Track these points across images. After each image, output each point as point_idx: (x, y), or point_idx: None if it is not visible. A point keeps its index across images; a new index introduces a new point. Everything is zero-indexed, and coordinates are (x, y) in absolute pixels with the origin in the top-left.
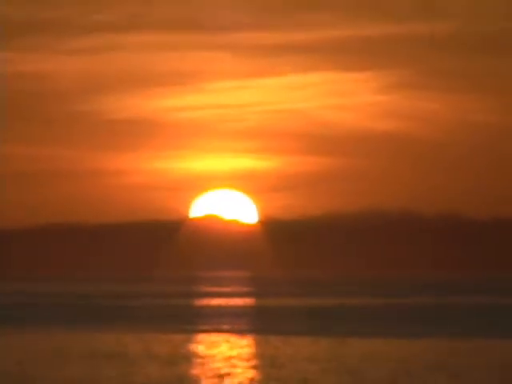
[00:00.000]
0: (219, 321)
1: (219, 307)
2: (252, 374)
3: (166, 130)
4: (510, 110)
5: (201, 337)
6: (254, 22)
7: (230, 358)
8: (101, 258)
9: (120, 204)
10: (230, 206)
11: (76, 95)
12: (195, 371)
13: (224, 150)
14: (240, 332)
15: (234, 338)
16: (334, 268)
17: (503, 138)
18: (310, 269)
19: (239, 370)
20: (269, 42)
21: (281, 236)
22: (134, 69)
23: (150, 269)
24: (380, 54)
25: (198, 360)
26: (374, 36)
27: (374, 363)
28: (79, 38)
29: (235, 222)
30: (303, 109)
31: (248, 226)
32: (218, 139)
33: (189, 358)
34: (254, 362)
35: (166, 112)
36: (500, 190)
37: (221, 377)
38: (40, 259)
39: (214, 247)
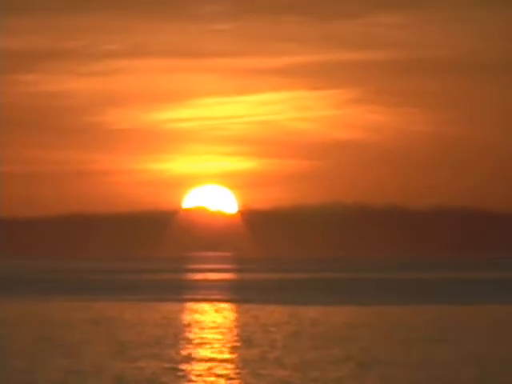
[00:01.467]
0: (206, 292)
1: (205, 281)
2: (227, 334)
3: (163, 138)
4: (442, 122)
5: (190, 305)
6: (236, 50)
7: (212, 322)
8: (109, 240)
9: (125, 197)
10: (215, 199)
11: (88, 109)
12: (181, 332)
13: (210, 154)
14: (222, 301)
15: (217, 306)
16: (301, 249)
17: (437, 144)
18: (281, 250)
19: (217, 332)
20: (248, 66)
21: (257, 223)
22: (136, 88)
23: (150, 249)
24: (337, 76)
25: (184, 323)
26: (332, 61)
27: (327, 327)
28: (91, 63)
29: (219, 212)
30: (276, 120)
31: (229, 215)
32: (205, 145)
33: (176, 322)
34: (230, 326)
35: (162, 123)
36: (433, 185)
37: (201, 337)
38: (58, 241)
39: (201, 232)
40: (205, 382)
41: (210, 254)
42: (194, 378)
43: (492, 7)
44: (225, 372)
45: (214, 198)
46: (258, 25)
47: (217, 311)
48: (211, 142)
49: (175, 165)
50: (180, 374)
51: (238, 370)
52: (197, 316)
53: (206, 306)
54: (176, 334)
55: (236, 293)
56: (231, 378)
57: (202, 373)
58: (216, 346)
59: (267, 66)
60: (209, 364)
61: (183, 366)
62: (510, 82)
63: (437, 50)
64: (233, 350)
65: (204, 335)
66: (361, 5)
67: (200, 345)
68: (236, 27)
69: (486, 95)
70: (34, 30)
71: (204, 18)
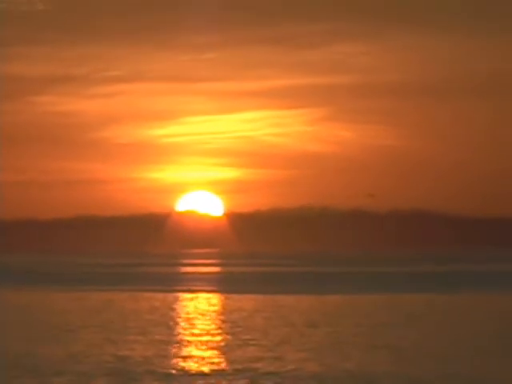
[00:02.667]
0: (195, 283)
1: (195, 273)
2: (213, 320)
3: (157, 151)
4: (398, 136)
5: (181, 295)
6: (220, 75)
7: (199, 310)
8: (111, 239)
9: (125, 202)
10: (204, 204)
11: (93, 126)
12: (170, 319)
13: (199, 164)
14: (210, 291)
15: (205, 296)
16: (277, 246)
17: (393, 155)
18: (260, 247)
19: (204, 318)
20: (231, 89)
21: (239, 224)
22: (134, 108)
23: (147, 247)
24: (308, 97)
25: (174, 311)
26: (303, 85)
27: (297, 312)
28: (95, 87)
29: (207, 215)
30: (255, 135)
31: (216, 217)
32: (194, 157)
33: (168, 310)
34: (216, 313)
35: (157, 138)
36: (390, 190)
37: (189, 322)
38: (67, 240)
39: (192, 232)
40: (189, 356)
41: (200, 250)
42: (180, 356)
43: (439, 37)
44: (209, 346)
45: (202, 203)
46: (240, 54)
47: (204, 300)
48: (199, 155)
49: (168, 174)
50: (168, 351)
51: (218, 348)
52: (186, 304)
53: (195, 296)
54: (166, 320)
55: (222, 284)
56: (213, 354)
57: (187, 351)
58: (203, 328)
59: (247, 89)
60: (195, 341)
61: (172, 346)
62: (451, 102)
63: (393, 75)
64: (217, 331)
65: (192, 321)
66: (328, 36)
67: (187, 329)
68: (221, 56)
69: (432, 113)
70: (47, 59)
71: (193, 48)
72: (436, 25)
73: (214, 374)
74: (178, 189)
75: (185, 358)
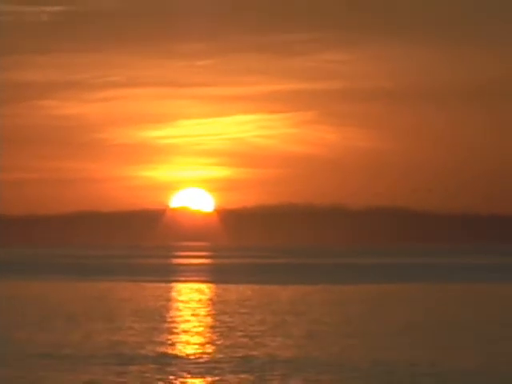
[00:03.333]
0: (187, 274)
1: (187, 265)
2: (202, 308)
3: (153, 151)
4: (375, 138)
5: (173, 285)
6: (213, 81)
7: (190, 299)
8: (109, 232)
9: (123, 198)
10: (196, 200)
11: (94, 128)
12: (163, 307)
13: (192, 164)
14: (201, 281)
15: (196, 285)
16: (264, 240)
17: (371, 156)
18: (248, 240)
19: (195, 307)
20: (222, 94)
21: (229, 219)
22: (132, 111)
23: (143, 240)
24: (293, 102)
25: (168, 300)
26: (289, 90)
27: (283, 302)
28: (96, 92)
29: (199, 211)
30: (244, 137)
31: (207, 213)
32: (188, 157)
33: (162, 298)
34: (206, 302)
35: (153, 139)
36: (369, 188)
37: (180, 310)
38: (68, 234)
39: (185, 227)
40: (180, 338)
41: (192, 244)
42: (170, 339)
43: (413, 46)
44: (200, 330)
45: (194, 200)
46: (231, 61)
47: (196, 290)
48: (192, 155)
49: (163, 173)
50: (162, 337)
51: (208, 333)
52: (178, 293)
53: (187, 286)
54: (159, 308)
55: (212, 275)
56: (204, 338)
57: (178, 333)
58: (195, 314)
59: (237, 94)
60: (187, 326)
61: (163, 332)
62: (425, 107)
63: (372, 81)
64: (208, 317)
65: (183, 309)
66: (312, 45)
67: (177, 316)
68: (213, 63)
69: (408, 117)
70: (52, 66)
71: (187, 56)
72: (410, 35)
73: (198, 357)
74: (171, 186)
75: (170, 343)
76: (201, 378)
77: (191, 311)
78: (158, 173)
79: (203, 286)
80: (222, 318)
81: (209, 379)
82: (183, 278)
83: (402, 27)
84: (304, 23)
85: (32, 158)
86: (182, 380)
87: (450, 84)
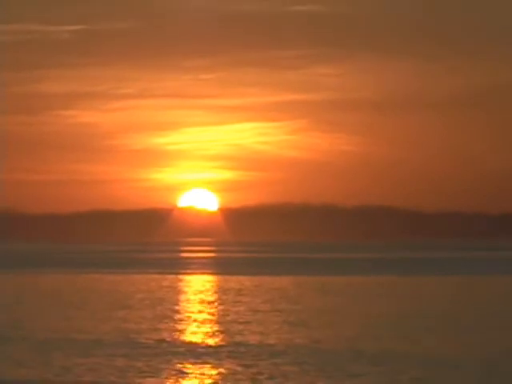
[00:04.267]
0: (194, 266)
1: (193, 258)
2: (206, 297)
3: (163, 155)
4: (362, 143)
5: (181, 276)
6: (216, 93)
7: (197, 289)
8: (122, 230)
9: (135, 198)
10: (201, 200)
11: (110, 135)
12: (171, 297)
13: (197, 167)
14: (206, 273)
15: (201, 277)
16: (263, 236)
17: (358, 159)
18: (249, 236)
19: (200, 296)
20: (224, 104)
21: (231, 218)
22: (144, 120)
23: (154, 236)
24: (288, 112)
25: (175, 290)
26: (284, 101)
27: (279, 292)
28: (112, 102)
29: (204, 210)
30: (244, 143)
31: (212, 211)
32: (194, 161)
33: (169, 288)
34: (210, 291)
35: (163, 145)
36: (356, 189)
37: (186, 299)
38: (85, 230)
39: (191, 224)
40: (186, 324)
41: (197, 239)
42: (178, 324)
43: (395, 61)
44: (203, 318)
45: (200, 199)
46: (231, 75)
47: (201, 280)
48: (197, 159)
49: (171, 175)
50: (169, 322)
51: (208, 318)
52: (185, 284)
53: (193, 277)
54: (167, 298)
55: (216, 267)
56: (204, 324)
57: (184, 320)
58: (198, 302)
59: (237, 104)
60: (190, 313)
61: (173, 319)
62: (405, 115)
63: (358, 93)
64: (209, 305)
65: (188, 297)
66: (305, 60)
67: (185, 303)
68: (215, 77)
69: (390, 125)
70: (72, 79)
71: (192, 70)
72: (392, 51)
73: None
74: (178, 188)
75: (173, 330)
76: (197, 360)
77: (195, 300)
78: (166, 175)
79: (208, 278)
80: (221, 305)
81: (205, 362)
82: (190, 271)
83: (384, 44)
84: (297, 41)
85: (54, 162)
86: (180, 363)
87: (426, 95)
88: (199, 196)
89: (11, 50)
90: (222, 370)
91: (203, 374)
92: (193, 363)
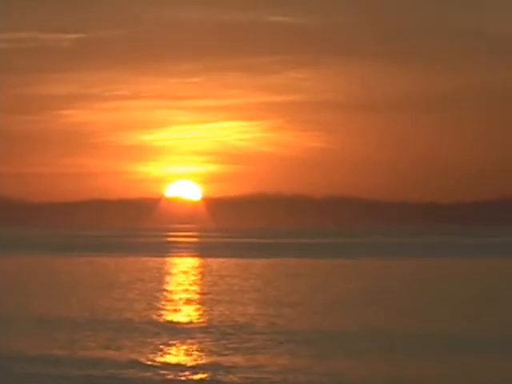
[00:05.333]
0: (178, 250)
1: (178, 243)
2: (192, 279)
3: (152, 151)
4: (332, 141)
5: (167, 259)
6: (200, 95)
7: (181, 270)
8: (115, 217)
9: (126, 189)
10: (186, 191)
11: (104, 132)
12: (153, 277)
13: (182, 161)
14: (190, 256)
15: (186, 260)
16: (242, 222)
17: (328, 155)
18: (229, 223)
19: (184, 277)
20: (208, 105)
21: (213, 206)
22: (134, 119)
23: (143, 223)
24: (265, 112)
25: (160, 271)
26: (262, 102)
27: (255, 273)
28: (106, 103)
29: (189, 200)
30: (226, 140)
31: (196, 201)
32: (179, 155)
33: (154, 270)
34: (195, 273)
35: (151, 141)
36: (326, 181)
37: (173, 280)
38: (81, 217)
39: (177, 212)
40: (170, 302)
41: (183, 226)
42: (164, 303)
43: (363, 65)
44: (188, 297)
45: (185, 190)
46: (214, 79)
47: (185, 263)
48: (183, 154)
49: (159, 168)
50: (158, 302)
51: (195, 297)
52: (171, 266)
53: (178, 259)
54: (154, 278)
55: (199, 251)
56: (190, 302)
57: (171, 298)
58: (185, 283)
59: (220, 105)
60: (178, 293)
61: (161, 300)
62: (372, 115)
63: (329, 94)
64: (192, 285)
65: (174, 279)
66: (281, 65)
67: (167, 283)
68: (200, 80)
69: (358, 123)
70: (70, 82)
71: (179, 74)
72: (358, 57)
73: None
74: (166, 179)
75: (156, 309)
76: (176, 337)
77: (178, 280)
78: (154, 168)
79: (191, 260)
80: (199, 284)
81: (185, 340)
82: (175, 254)
83: (349, 51)
84: (273, 49)
85: (53, 156)
86: (163, 341)
87: (387, 95)
88: (184, 187)
89: (15, 56)
90: (190, 343)
91: (171, 346)
92: (169, 338)
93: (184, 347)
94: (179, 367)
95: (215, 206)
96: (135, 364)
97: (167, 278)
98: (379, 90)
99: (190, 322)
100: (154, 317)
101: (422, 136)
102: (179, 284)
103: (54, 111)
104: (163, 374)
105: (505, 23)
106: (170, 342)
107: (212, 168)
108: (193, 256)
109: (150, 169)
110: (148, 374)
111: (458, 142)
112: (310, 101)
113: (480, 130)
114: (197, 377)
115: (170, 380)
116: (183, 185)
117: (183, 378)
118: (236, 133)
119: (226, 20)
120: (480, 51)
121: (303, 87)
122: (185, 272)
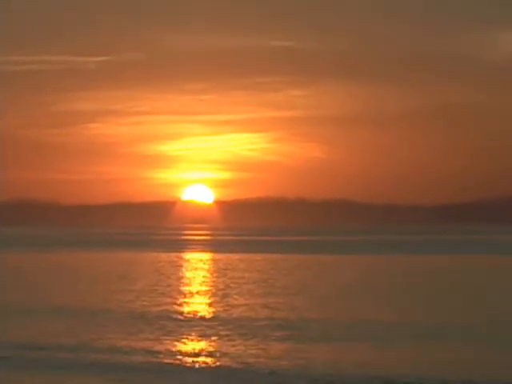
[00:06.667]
0: (193, 246)
1: (193, 240)
2: (202, 273)
3: (170, 159)
4: (327, 151)
5: (184, 254)
6: (212, 110)
7: (196, 262)
8: (138, 217)
9: (147, 193)
10: (200, 194)
11: (127, 144)
12: (170, 271)
13: (197, 168)
14: (203, 251)
15: (199, 254)
16: (250, 222)
17: (323, 163)
18: (238, 223)
19: (197, 271)
20: (218, 120)
21: (224, 208)
22: (153, 131)
23: (162, 222)
24: (269, 125)
25: (174, 265)
26: (265, 117)
27: (261, 267)
28: (129, 118)
29: (202, 202)
30: (234, 150)
31: (208, 204)
32: (194, 163)
33: (171, 264)
34: (206, 267)
35: (169, 151)
36: (324, 187)
37: (187, 272)
38: (109, 218)
39: (191, 213)
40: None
41: (197, 225)
42: (177, 294)
43: (354, 85)
44: (200, 289)
45: (199, 194)
46: (224, 96)
47: (199, 257)
48: (197, 162)
49: (176, 174)
50: (173, 292)
51: (206, 288)
52: (186, 260)
53: (192, 255)
54: (173, 272)
55: (211, 247)
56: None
57: (185, 291)
58: (196, 275)
59: (229, 119)
60: (192, 281)
61: (176, 288)
62: (362, 129)
63: (323, 110)
64: (204, 277)
65: (190, 269)
66: (282, 85)
67: (185, 274)
68: (212, 97)
69: (349, 136)
70: (97, 100)
71: (194, 92)
72: (350, 77)
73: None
74: (182, 185)
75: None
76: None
77: (192, 273)
78: (172, 175)
79: (204, 255)
80: (215, 277)
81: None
82: (190, 249)
83: (342, 72)
84: (274, 69)
85: (82, 164)
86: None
87: (376, 112)
88: (198, 191)
89: (48, 77)
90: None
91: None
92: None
93: (193, 336)
94: (189, 355)
95: (226, 208)
96: (148, 352)
97: (182, 271)
98: (367, 107)
99: (196, 313)
100: (169, 307)
101: (403, 146)
102: (191, 276)
103: (82, 125)
104: (177, 360)
105: (481, 47)
106: (182, 331)
107: (223, 175)
108: (205, 251)
109: (168, 175)
110: (162, 360)
111: (440, 150)
112: (308, 116)
113: (453, 141)
114: (206, 362)
115: (184, 367)
116: (197, 189)
117: (197, 366)
118: (244, 144)
119: (234, 45)
120: (455, 73)
121: (302, 104)
122: (197, 265)
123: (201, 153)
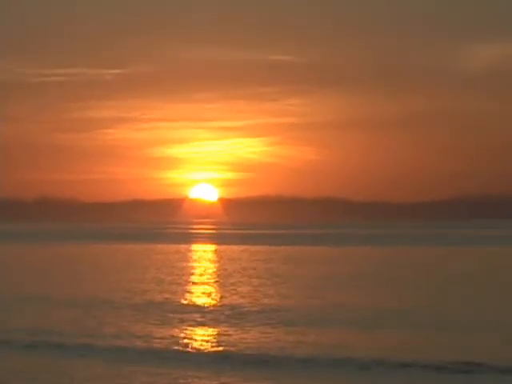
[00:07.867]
0: (199, 239)
1: (200, 234)
2: (207, 263)
3: (178, 161)
4: (321, 154)
5: (191, 246)
6: (216, 117)
7: (203, 253)
8: (148, 213)
9: (158, 191)
10: (206, 193)
11: (140, 148)
12: (177, 262)
13: (203, 169)
14: (209, 243)
15: (205, 246)
16: (251, 218)
17: (316, 165)
18: (240, 218)
19: (202, 262)
20: (222, 126)
21: (228, 206)
22: (164, 136)
23: (171, 218)
24: (268, 131)
25: (180, 256)
26: (264, 123)
27: (265, 259)
28: (141, 124)
29: (208, 200)
30: (237, 153)
31: (213, 201)
32: (199, 165)
33: (179, 255)
34: (211, 258)
35: (177, 154)
36: (317, 186)
37: (190, 266)
38: (124, 214)
39: (198, 210)
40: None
41: (203, 221)
42: (181, 286)
43: (347, 93)
44: (205, 280)
45: (205, 192)
46: (228, 104)
47: (205, 248)
48: (203, 164)
49: (184, 174)
50: (177, 282)
51: (210, 278)
52: (195, 251)
53: (199, 246)
54: (180, 262)
55: (216, 239)
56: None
57: (189, 281)
58: (204, 263)
59: (232, 125)
60: (196, 272)
61: (182, 278)
62: (354, 133)
63: (317, 117)
64: (209, 267)
65: (197, 259)
66: (280, 94)
67: (194, 261)
68: (217, 106)
69: (342, 140)
70: (113, 108)
71: (200, 101)
72: (344, 86)
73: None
74: (189, 184)
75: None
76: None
77: (198, 262)
78: (180, 175)
79: (209, 247)
80: (218, 266)
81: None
82: (196, 242)
83: (337, 81)
84: (273, 80)
85: (99, 165)
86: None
87: (369, 118)
88: (204, 190)
89: (69, 87)
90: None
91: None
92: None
93: (200, 322)
94: (198, 341)
95: (229, 205)
96: (158, 338)
97: (190, 261)
98: (361, 113)
99: (199, 302)
100: (177, 297)
101: (394, 149)
102: (197, 266)
103: (99, 130)
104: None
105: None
106: (191, 318)
107: (226, 175)
108: (210, 243)
109: (176, 175)
110: (174, 347)
111: (421, 153)
112: (303, 122)
113: (439, 144)
114: (212, 349)
115: (191, 354)
116: (203, 188)
117: (205, 351)
118: (245, 147)
119: (236, 58)
120: (443, 83)
121: (298, 111)
122: (202, 256)
123: (206, 155)
